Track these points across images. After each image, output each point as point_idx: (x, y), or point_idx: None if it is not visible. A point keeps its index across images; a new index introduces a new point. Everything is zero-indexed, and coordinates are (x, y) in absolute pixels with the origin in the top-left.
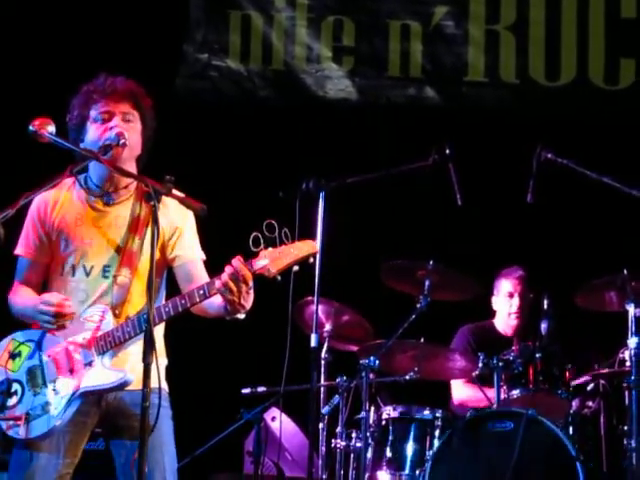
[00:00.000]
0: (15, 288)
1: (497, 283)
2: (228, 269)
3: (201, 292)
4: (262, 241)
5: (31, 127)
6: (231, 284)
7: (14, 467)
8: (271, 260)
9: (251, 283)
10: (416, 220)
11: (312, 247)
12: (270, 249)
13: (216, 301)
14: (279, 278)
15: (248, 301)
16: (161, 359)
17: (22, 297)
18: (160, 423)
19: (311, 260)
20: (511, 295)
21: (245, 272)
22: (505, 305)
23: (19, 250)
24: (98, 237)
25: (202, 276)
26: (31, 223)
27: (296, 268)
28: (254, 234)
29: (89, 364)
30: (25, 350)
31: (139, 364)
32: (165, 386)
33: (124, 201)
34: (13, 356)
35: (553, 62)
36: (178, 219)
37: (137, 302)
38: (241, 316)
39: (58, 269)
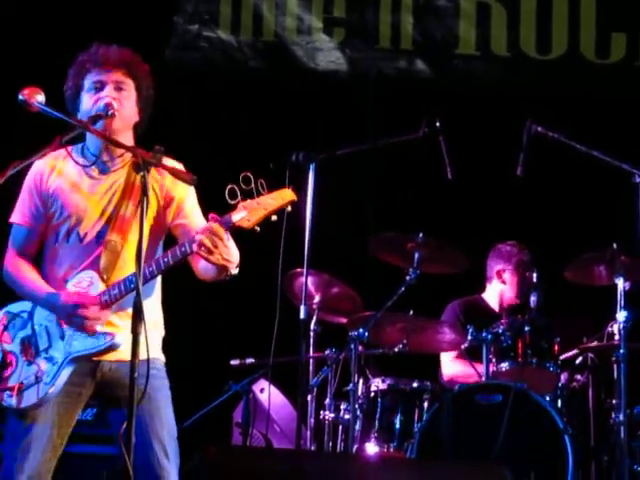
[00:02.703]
0: (14, 259)
1: (510, 257)
2: (200, 228)
3: (182, 249)
4: (239, 193)
5: (20, 96)
6: (205, 240)
7: (9, 437)
8: (249, 211)
9: (226, 235)
10: (406, 192)
11: (289, 195)
12: (247, 200)
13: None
14: (258, 229)
15: (231, 254)
16: (158, 330)
17: (26, 277)
18: (158, 393)
19: (289, 208)
20: (529, 270)
21: (216, 227)
22: (518, 280)
23: (15, 218)
24: (93, 204)
25: None
26: (27, 191)
27: (274, 218)
28: (230, 186)
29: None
30: (18, 322)
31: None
32: (161, 357)
33: (119, 169)
34: (7, 328)
35: (544, 35)
36: (174, 188)
37: (129, 267)
38: (234, 271)
39: (53, 236)
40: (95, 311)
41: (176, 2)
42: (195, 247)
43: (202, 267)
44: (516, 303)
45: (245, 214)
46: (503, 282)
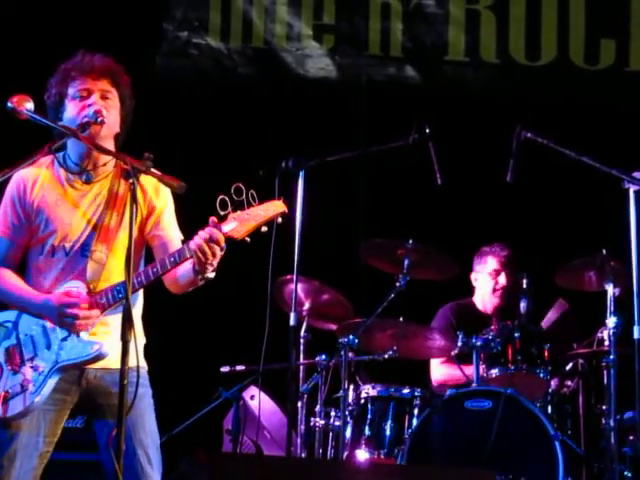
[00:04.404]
0: None
1: (481, 260)
2: (202, 233)
3: (172, 259)
4: (229, 204)
5: (9, 104)
6: (205, 247)
7: None
8: (239, 222)
9: (224, 245)
10: (396, 199)
11: (279, 207)
12: (238, 212)
13: (185, 267)
14: (248, 240)
15: (217, 260)
16: (140, 338)
17: (12, 284)
18: (140, 401)
19: (279, 220)
20: (498, 273)
21: (219, 235)
22: (489, 282)
23: None
24: (78, 217)
25: None
26: (10, 202)
27: (265, 229)
28: (221, 197)
29: (64, 339)
30: (2, 331)
31: (118, 342)
32: (144, 364)
33: (103, 179)
34: None
35: (534, 42)
36: (156, 198)
37: (114, 279)
38: (210, 275)
39: (38, 249)
40: (85, 310)
41: (165, 9)
42: (193, 247)
43: (180, 274)
44: (499, 304)
45: (235, 225)
46: (478, 282)
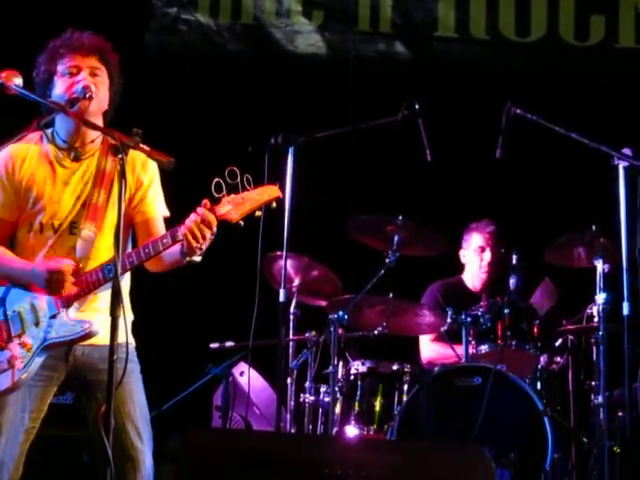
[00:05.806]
0: None
1: (467, 237)
2: (193, 216)
3: (165, 241)
4: (224, 187)
5: None
6: (196, 230)
7: None
8: (234, 206)
9: (215, 229)
10: (385, 175)
11: (274, 191)
12: (232, 195)
13: (172, 248)
14: (242, 224)
15: (207, 244)
16: (128, 315)
17: (1, 256)
18: (129, 377)
19: (274, 205)
20: (482, 249)
21: (211, 218)
22: (475, 259)
23: None
24: (66, 194)
25: (160, 233)
26: None
27: (259, 213)
28: (216, 180)
29: (54, 316)
30: None
31: (107, 319)
32: (132, 340)
33: (90, 156)
34: None
35: (523, 18)
36: (143, 173)
37: (103, 257)
38: (197, 259)
39: (26, 226)
40: (71, 277)
41: None
42: (183, 230)
43: (166, 253)
44: (486, 280)
45: (230, 208)
46: (466, 259)
